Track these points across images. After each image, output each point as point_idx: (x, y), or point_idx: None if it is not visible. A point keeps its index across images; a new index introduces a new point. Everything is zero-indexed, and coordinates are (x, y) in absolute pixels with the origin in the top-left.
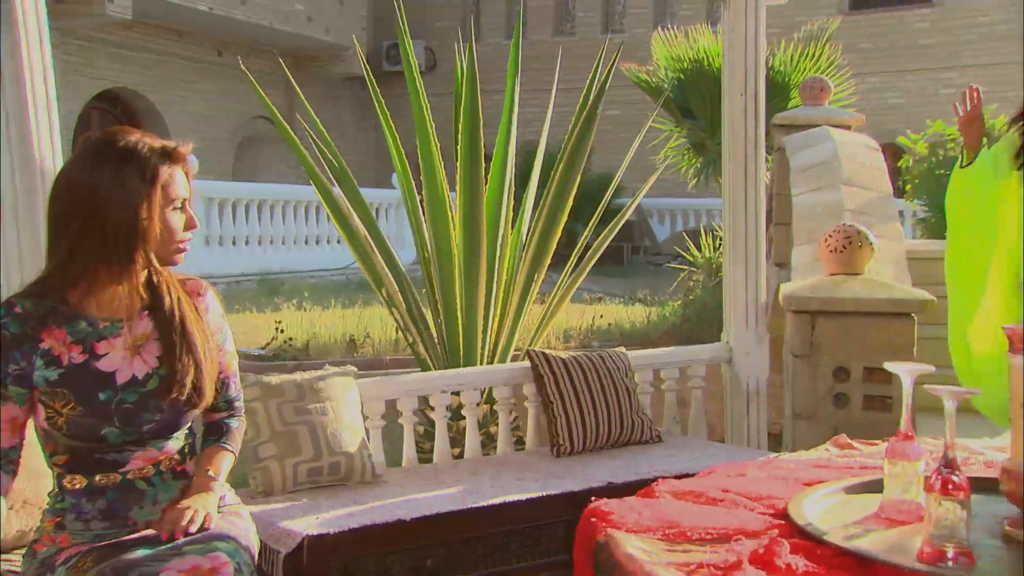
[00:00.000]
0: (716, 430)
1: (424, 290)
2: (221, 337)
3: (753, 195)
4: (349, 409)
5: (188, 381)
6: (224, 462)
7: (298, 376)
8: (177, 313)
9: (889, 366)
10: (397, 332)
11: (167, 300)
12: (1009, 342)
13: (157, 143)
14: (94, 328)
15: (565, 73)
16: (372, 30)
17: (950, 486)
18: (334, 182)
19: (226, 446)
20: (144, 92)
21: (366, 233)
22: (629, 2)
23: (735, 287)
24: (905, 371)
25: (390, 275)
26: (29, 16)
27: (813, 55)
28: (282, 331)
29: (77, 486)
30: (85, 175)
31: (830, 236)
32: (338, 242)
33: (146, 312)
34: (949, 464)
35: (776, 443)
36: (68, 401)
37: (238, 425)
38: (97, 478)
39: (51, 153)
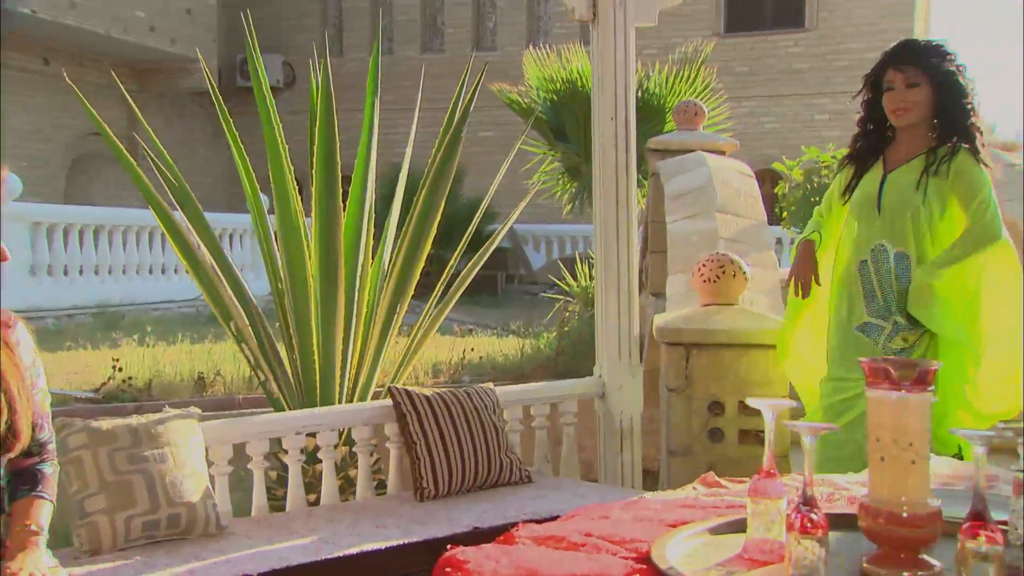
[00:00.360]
0: (592, 468)
1: (278, 324)
2: (34, 373)
3: (625, 222)
4: (192, 455)
5: (1, 422)
6: (43, 513)
7: (134, 420)
8: None
9: (751, 402)
10: (250, 369)
11: None
12: (866, 376)
13: None
14: None
15: (433, 92)
16: (225, 42)
17: (808, 524)
18: (175, 206)
19: (43, 495)
20: None
21: (212, 262)
22: (501, 19)
23: (607, 318)
24: (767, 406)
25: (239, 308)
26: None
27: (688, 78)
28: (120, 370)
29: None
30: None
31: (703, 265)
32: (187, 271)
33: None
34: (808, 501)
35: (653, 481)
36: None
37: (52, 471)
38: None
39: None
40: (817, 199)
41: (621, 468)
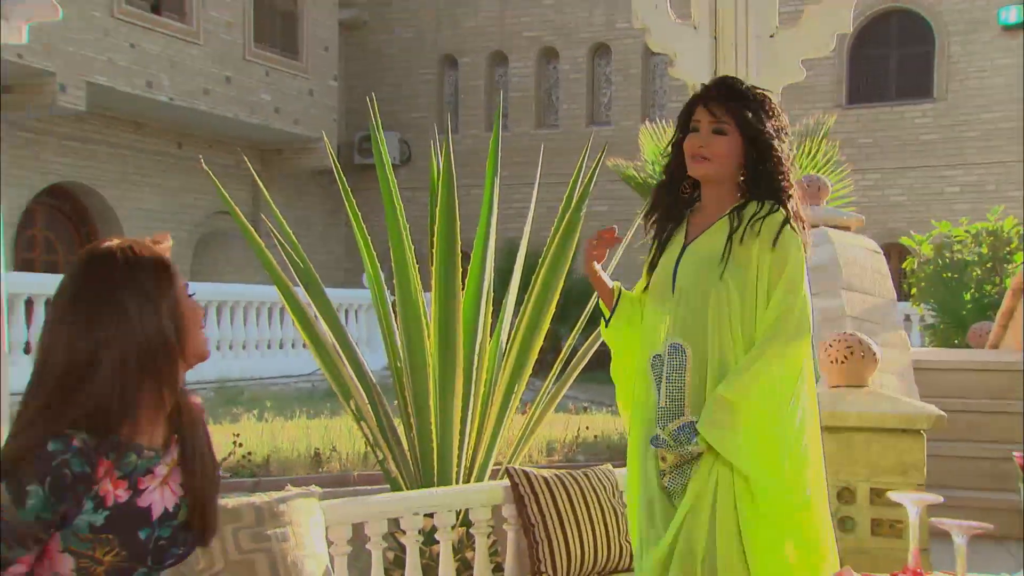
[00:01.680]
0: None
1: (396, 401)
2: None
3: None
4: (312, 534)
5: (211, 508)
6: None
7: (256, 498)
8: (201, 432)
9: (894, 496)
10: (367, 446)
11: (190, 417)
12: None
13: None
14: (142, 460)
15: (550, 167)
16: (344, 122)
17: None
18: (298, 282)
19: None
20: (96, 187)
21: (333, 340)
22: (615, 94)
23: None
24: (910, 501)
25: (359, 385)
26: None
27: (810, 152)
28: (240, 445)
29: None
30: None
31: (831, 346)
32: (303, 347)
33: (174, 435)
34: None
35: None
36: (111, 548)
37: None
38: None
39: None
40: (950, 275)
41: None
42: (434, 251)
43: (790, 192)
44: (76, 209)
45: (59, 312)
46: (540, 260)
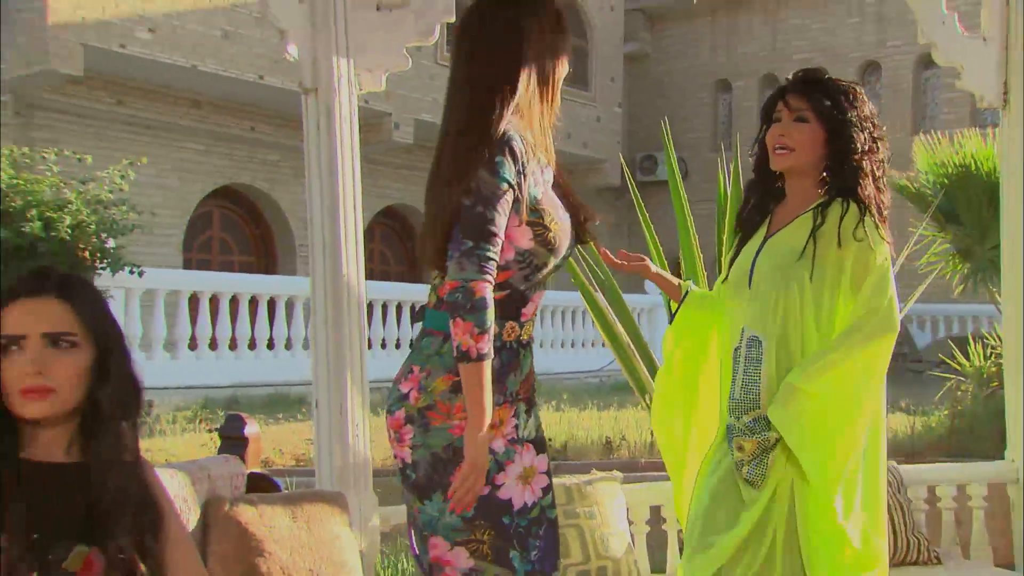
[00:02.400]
0: (999, 552)
1: None
2: None
3: None
4: (615, 514)
5: None
6: None
7: (566, 479)
8: None
9: None
10: (652, 436)
11: None
12: None
13: None
14: None
15: None
16: (625, 144)
17: None
18: (597, 289)
19: None
20: (421, 208)
21: (628, 340)
22: (885, 110)
23: (1018, 401)
24: None
25: (651, 380)
26: (346, 145)
27: None
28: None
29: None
30: None
31: None
32: (592, 345)
33: None
34: None
35: None
36: (553, 219)
37: None
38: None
39: (356, 268)
40: None
41: None
42: (722, 260)
43: (871, 184)
44: (405, 228)
45: None
46: None
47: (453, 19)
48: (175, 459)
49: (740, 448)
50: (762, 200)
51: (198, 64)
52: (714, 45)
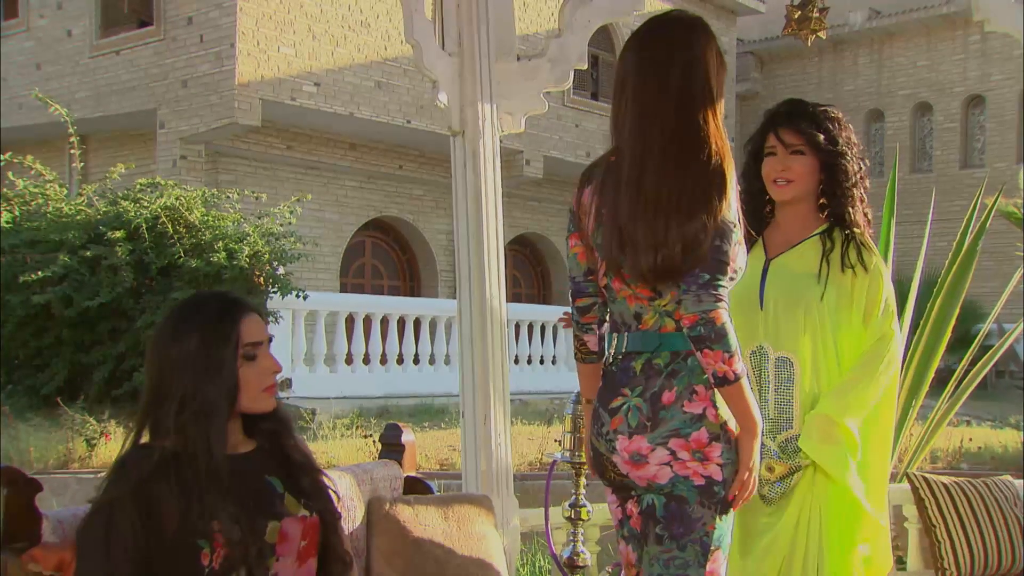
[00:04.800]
0: None
1: None
2: None
3: None
4: None
5: None
6: None
7: None
8: None
9: None
10: None
11: None
12: None
13: None
14: None
15: (922, 208)
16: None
17: None
18: None
19: None
20: (548, 236)
21: None
22: (989, 139)
23: None
24: None
25: None
26: (488, 181)
27: None
28: None
29: None
30: None
31: None
32: None
33: None
34: None
35: None
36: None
37: None
38: None
39: (498, 291)
40: None
41: None
42: None
43: (860, 207)
44: (534, 254)
45: None
46: (935, 290)
47: (586, 66)
48: (335, 461)
49: (770, 469)
50: (751, 223)
51: (354, 111)
52: (820, 83)
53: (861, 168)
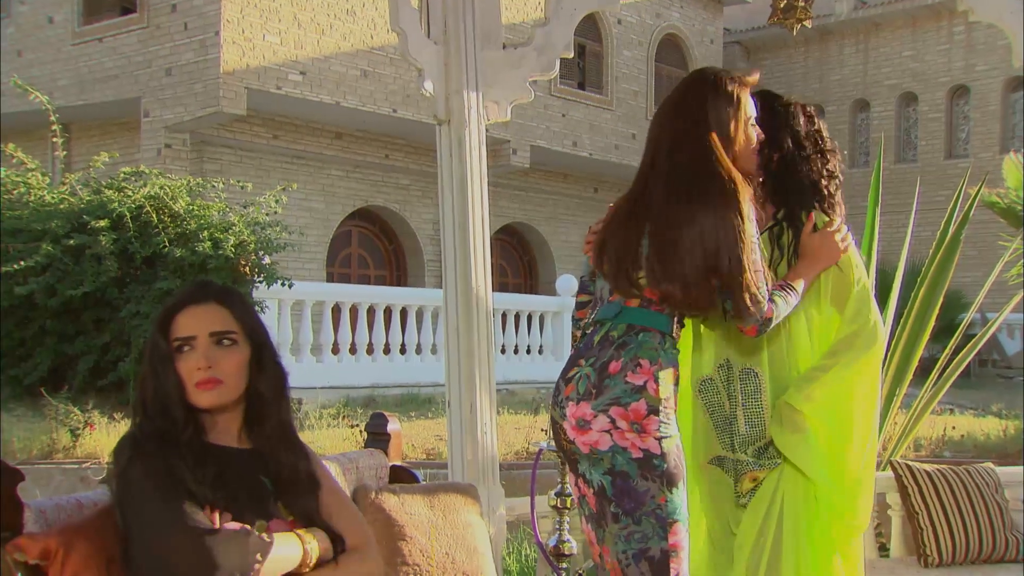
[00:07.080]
0: None
1: None
2: None
3: None
4: None
5: None
6: None
7: None
8: None
9: None
10: None
11: None
12: None
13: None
14: None
15: (907, 198)
16: None
17: None
18: None
19: None
20: (534, 225)
21: None
22: (973, 129)
23: None
24: None
25: None
26: (474, 170)
27: None
28: None
29: None
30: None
31: None
32: None
33: None
34: None
35: None
36: None
37: None
38: None
39: (484, 281)
40: None
41: None
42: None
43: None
44: (521, 243)
45: None
46: (919, 279)
47: (571, 55)
48: (322, 451)
49: (754, 480)
50: None
51: (340, 100)
52: (807, 72)
53: (827, 163)
